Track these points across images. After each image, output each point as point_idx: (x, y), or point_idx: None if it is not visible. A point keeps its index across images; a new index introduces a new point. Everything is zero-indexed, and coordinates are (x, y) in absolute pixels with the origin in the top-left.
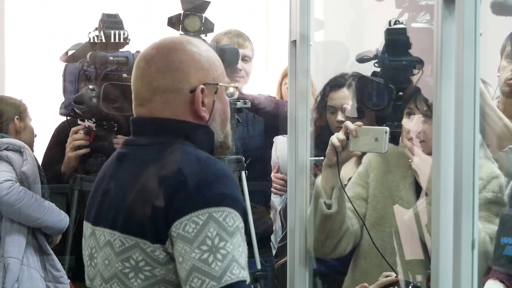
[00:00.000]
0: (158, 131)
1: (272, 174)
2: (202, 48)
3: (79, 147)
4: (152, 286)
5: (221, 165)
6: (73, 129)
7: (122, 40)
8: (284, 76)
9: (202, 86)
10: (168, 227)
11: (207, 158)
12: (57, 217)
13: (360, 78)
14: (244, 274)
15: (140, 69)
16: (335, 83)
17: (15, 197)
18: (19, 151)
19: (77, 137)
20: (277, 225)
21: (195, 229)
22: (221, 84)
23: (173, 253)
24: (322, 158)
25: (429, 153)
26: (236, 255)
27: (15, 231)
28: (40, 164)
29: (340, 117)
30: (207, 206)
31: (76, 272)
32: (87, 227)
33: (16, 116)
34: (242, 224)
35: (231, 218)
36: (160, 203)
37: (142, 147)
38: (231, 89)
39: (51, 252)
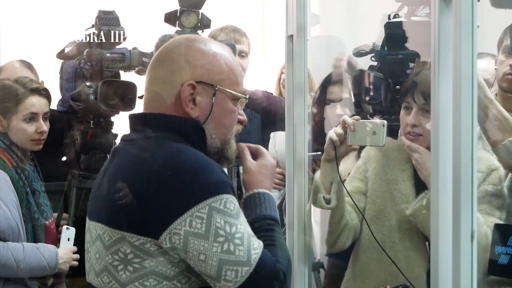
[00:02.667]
0: (146, 126)
1: None
2: (212, 49)
3: None
4: (140, 278)
5: (202, 155)
6: None
7: (118, 37)
8: (282, 71)
9: (192, 82)
10: (162, 223)
11: (187, 149)
12: (38, 264)
13: (357, 72)
14: (260, 242)
15: (150, 63)
16: (333, 77)
17: None
18: None
19: None
20: None
21: (203, 224)
22: (220, 87)
23: (179, 249)
24: (320, 153)
25: (427, 147)
26: (248, 231)
27: None
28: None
29: (339, 110)
30: (204, 198)
31: (77, 268)
32: (87, 222)
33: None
34: (237, 203)
35: (230, 202)
36: (146, 197)
37: (131, 142)
38: (243, 100)
39: None
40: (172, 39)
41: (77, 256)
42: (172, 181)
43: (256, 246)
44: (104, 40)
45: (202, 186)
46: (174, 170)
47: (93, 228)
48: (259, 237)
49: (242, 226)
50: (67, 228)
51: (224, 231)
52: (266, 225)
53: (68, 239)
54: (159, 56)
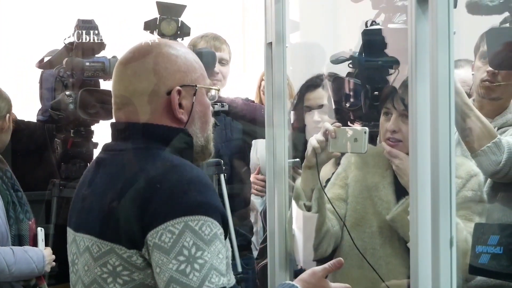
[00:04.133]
0: (134, 136)
1: (253, 176)
2: (180, 50)
3: None
4: None
5: (197, 172)
6: None
7: (98, 46)
8: (263, 79)
9: (178, 87)
10: (143, 234)
11: (182, 164)
12: (27, 267)
13: (335, 79)
14: (224, 281)
15: (118, 73)
16: (311, 83)
17: None
18: None
19: None
20: (258, 226)
21: (171, 239)
22: (199, 86)
23: (150, 261)
24: (298, 160)
25: (407, 152)
26: (215, 263)
27: None
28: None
29: (316, 117)
30: (182, 215)
31: (58, 277)
32: (69, 233)
33: (8, 114)
34: (220, 231)
35: (208, 226)
36: (134, 210)
37: (118, 152)
38: (212, 92)
39: None
40: (134, 48)
41: (54, 257)
42: (157, 194)
43: (214, 281)
44: (83, 49)
45: (184, 202)
46: (162, 184)
47: (80, 240)
48: None
49: (209, 255)
50: (40, 229)
51: (188, 252)
52: None
53: (42, 240)
54: (132, 68)
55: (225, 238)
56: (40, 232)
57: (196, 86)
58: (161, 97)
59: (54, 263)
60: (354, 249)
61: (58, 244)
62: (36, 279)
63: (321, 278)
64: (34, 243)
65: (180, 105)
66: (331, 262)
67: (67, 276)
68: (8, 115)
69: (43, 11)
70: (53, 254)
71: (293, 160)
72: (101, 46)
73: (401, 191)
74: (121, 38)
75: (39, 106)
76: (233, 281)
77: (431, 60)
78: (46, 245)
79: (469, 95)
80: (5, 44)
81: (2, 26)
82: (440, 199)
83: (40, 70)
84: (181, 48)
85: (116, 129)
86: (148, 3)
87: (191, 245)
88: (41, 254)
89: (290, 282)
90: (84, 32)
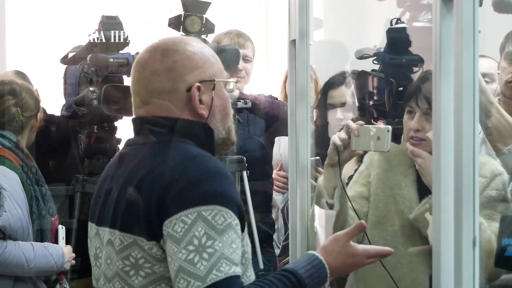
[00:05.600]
0: (156, 130)
1: (274, 172)
2: (196, 46)
3: None
4: (153, 283)
5: (215, 162)
6: None
7: (122, 42)
8: None
9: (198, 84)
10: (160, 225)
11: (202, 155)
12: (46, 263)
13: (359, 75)
14: (236, 270)
15: (136, 73)
16: (334, 81)
17: None
18: None
19: None
20: (279, 223)
21: (183, 229)
22: (218, 80)
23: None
24: (319, 158)
25: (431, 151)
26: (226, 252)
27: None
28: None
29: (339, 115)
30: (196, 204)
31: (81, 272)
32: (91, 227)
33: (38, 113)
34: (236, 221)
35: (221, 216)
36: (154, 201)
37: (140, 146)
38: (230, 85)
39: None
40: (150, 47)
41: (74, 255)
42: (175, 185)
43: (223, 270)
44: (107, 45)
45: (199, 192)
46: (181, 175)
47: (103, 233)
48: (264, 279)
49: (221, 244)
50: (61, 227)
51: (198, 241)
52: (281, 275)
53: (63, 238)
54: (150, 67)
55: (242, 231)
56: (61, 229)
57: (214, 80)
58: (181, 95)
59: (73, 261)
60: None
61: (81, 239)
62: (57, 275)
63: (344, 243)
64: (56, 240)
65: (200, 101)
66: (353, 226)
67: (89, 271)
68: (38, 113)
69: (67, 7)
70: (76, 248)
71: (313, 158)
72: (125, 42)
73: (424, 190)
74: (145, 35)
75: (63, 101)
76: (253, 277)
77: (456, 59)
78: (68, 241)
79: (494, 81)
80: (31, 40)
81: (26, 23)
82: (463, 198)
83: (64, 66)
84: (196, 43)
85: (138, 124)
86: (172, 0)
87: (202, 235)
88: (61, 251)
89: (312, 252)
90: (108, 28)
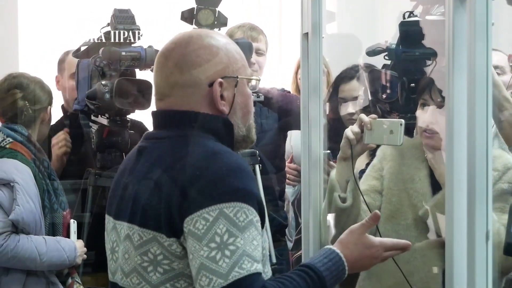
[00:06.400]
0: (176, 124)
1: (286, 164)
2: (221, 41)
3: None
4: (171, 280)
5: (236, 158)
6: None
7: (134, 35)
8: (299, 65)
9: (220, 79)
10: (181, 222)
11: (223, 151)
12: (58, 258)
13: (372, 71)
14: (257, 267)
15: (159, 64)
16: (346, 75)
17: (6, 257)
18: (8, 185)
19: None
20: (290, 216)
21: (205, 226)
22: (241, 77)
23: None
24: (329, 151)
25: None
26: (248, 249)
27: (12, 272)
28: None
29: (351, 109)
30: (218, 201)
31: (95, 266)
32: (109, 220)
33: (49, 106)
34: (257, 218)
35: (243, 213)
36: (174, 198)
37: (160, 140)
38: (253, 82)
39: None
40: (176, 39)
41: (86, 249)
42: (196, 182)
43: (245, 267)
44: (119, 39)
45: (220, 189)
46: (202, 172)
47: (120, 228)
48: (283, 275)
49: (242, 241)
50: (73, 221)
51: (220, 238)
52: (300, 270)
53: (75, 232)
54: (173, 60)
55: (262, 228)
56: (73, 224)
57: (237, 77)
58: (202, 89)
59: (85, 256)
60: None
61: (93, 233)
62: (69, 269)
63: (360, 235)
64: (68, 234)
65: (222, 97)
66: (368, 217)
67: (104, 266)
68: (49, 107)
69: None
70: (88, 242)
71: (325, 151)
72: (137, 35)
73: (437, 184)
74: (157, 28)
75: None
76: (270, 273)
77: (469, 51)
78: (80, 235)
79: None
80: (44, 34)
81: (38, 16)
82: (476, 192)
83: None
84: (222, 38)
85: (157, 118)
86: None
87: (223, 232)
88: (73, 246)
89: (328, 246)
90: (120, 21)
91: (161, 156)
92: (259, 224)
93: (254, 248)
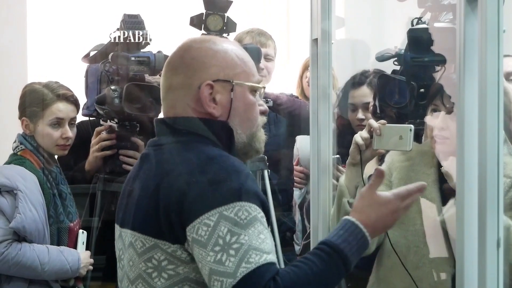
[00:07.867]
0: (173, 130)
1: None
2: (221, 45)
3: (105, 148)
4: (176, 285)
5: (232, 161)
6: (97, 129)
7: (143, 40)
8: (305, 68)
9: (209, 82)
10: (184, 229)
11: (219, 155)
12: (61, 268)
13: (381, 76)
14: (268, 257)
15: (163, 69)
16: (356, 81)
17: (7, 265)
18: (11, 192)
19: (104, 137)
20: (296, 219)
21: (207, 232)
22: (236, 82)
23: (194, 255)
24: (338, 156)
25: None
26: (254, 243)
27: (14, 280)
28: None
29: (360, 115)
30: (217, 205)
31: (106, 272)
32: (116, 229)
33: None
34: (261, 214)
35: (245, 211)
36: (173, 205)
37: (160, 147)
38: (261, 90)
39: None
40: (180, 45)
41: (92, 260)
42: (194, 188)
43: (253, 260)
44: (128, 44)
45: (218, 193)
46: (198, 178)
47: (125, 235)
48: (297, 259)
49: (247, 237)
50: (82, 232)
51: (223, 240)
52: (315, 248)
53: (83, 243)
54: (171, 64)
55: (268, 225)
56: (81, 234)
57: (232, 81)
58: (193, 90)
59: (91, 267)
60: (397, 247)
61: (102, 238)
62: (74, 279)
63: (371, 196)
64: (75, 245)
65: (214, 100)
66: (373, 175)
67: (112, 275)
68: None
69: (89, 5)
70: (98, 247)
71: (334, 156)
72: (146, 41)
73: (446, 190)
74: (166, 33)
75: (84, 100)
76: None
77: (480, 58)
78: (89, 239)
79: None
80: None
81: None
82: (487, 198)
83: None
84: (224, 44)
85: (158, 125)
86: None
87: (225, 233)
88: (76, 256)
89: (342, 218)
90: (130, 27)
91: (158, 164)
92: (264, 219)
93: (262, 241)
